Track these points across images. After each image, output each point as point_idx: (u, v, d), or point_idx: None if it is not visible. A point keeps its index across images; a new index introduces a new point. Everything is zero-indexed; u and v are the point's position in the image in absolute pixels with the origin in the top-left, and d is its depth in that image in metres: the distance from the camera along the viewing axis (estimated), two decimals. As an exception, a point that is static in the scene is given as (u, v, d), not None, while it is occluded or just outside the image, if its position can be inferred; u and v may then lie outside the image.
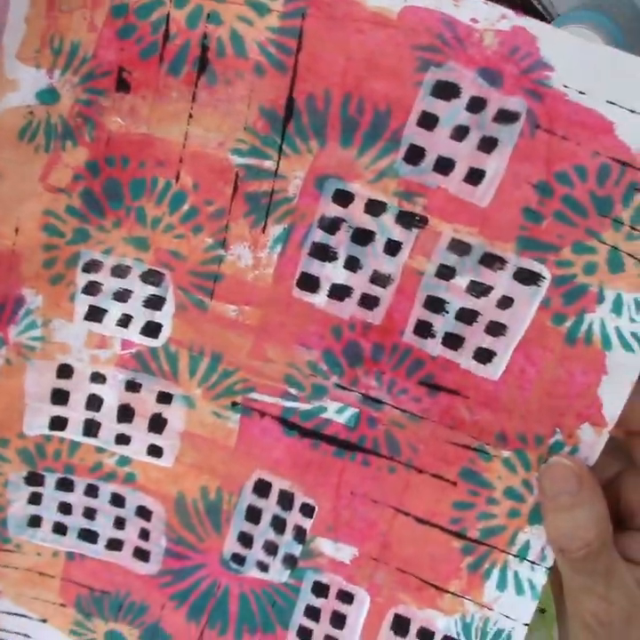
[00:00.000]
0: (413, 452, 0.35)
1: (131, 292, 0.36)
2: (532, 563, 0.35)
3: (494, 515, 0.35)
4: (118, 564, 0.39)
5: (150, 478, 0.38)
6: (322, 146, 0.33)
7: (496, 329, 0.34)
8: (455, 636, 0.36)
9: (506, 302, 0.33)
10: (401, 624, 0.37)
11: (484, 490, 0.35)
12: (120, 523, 0.39)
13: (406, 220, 0.33)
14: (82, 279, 0.36)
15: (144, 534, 0.39)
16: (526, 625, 0.35)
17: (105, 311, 0.37)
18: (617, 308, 0.32)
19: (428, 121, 0.32)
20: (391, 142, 0.33)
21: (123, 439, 0.38)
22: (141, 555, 0.39)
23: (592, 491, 0.33)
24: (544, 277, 0.33)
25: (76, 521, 0.39)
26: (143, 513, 0.38)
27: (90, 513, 0.39)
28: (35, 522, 0.39)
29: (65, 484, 0.39)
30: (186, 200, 0.35)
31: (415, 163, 0.33)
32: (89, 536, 0.39)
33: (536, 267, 0.33)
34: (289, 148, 0.33)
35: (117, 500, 0.38)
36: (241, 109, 0.33)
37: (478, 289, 0.33)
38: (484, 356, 0.34)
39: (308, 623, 0.38)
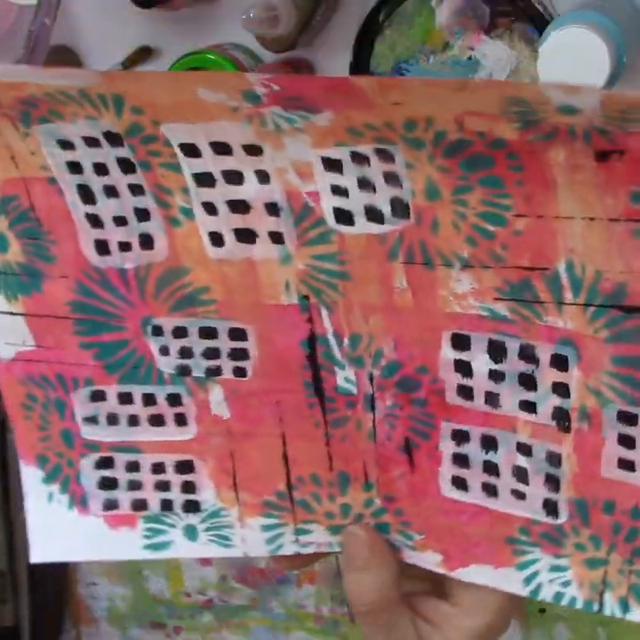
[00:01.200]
0: (338, 435, 0.39)
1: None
2: (295, 537, 0.41)
3: (320, 501, 0.40)
4: None
5: None
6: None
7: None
8: (202, 503, 0.42)
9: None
10: (185, 466, 0.42)
11: (330, 492, 0.40)
12: None
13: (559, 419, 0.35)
14: None
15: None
16: (245, 555, 0.42)
17: None
18: None
19: None
20: None
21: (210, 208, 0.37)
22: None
23: (380, 560, 0.39)
24: None
25: None
26: None
27: None
28: None
29: None
30: None
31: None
32: None
33: None
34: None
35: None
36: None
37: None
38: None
39: (151, 407, 0.41)
